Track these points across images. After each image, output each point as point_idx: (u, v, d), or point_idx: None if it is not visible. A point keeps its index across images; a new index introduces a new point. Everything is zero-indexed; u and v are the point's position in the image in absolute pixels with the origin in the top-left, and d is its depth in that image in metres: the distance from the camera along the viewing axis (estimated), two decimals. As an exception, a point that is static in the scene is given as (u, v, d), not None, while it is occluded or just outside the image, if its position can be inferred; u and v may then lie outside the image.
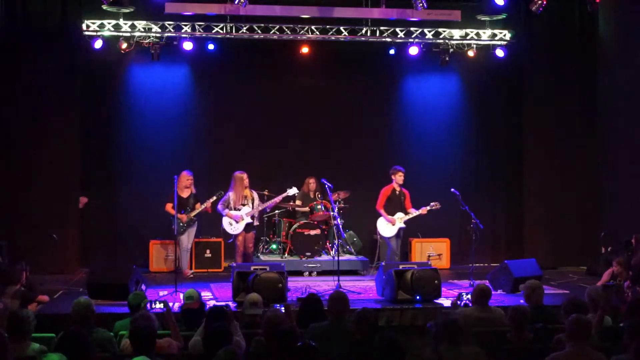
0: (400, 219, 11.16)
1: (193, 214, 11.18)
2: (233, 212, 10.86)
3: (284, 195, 11.25)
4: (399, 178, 11.27)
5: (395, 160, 13.21)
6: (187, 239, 11.34)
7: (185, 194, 11.19)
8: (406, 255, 12.34)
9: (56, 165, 11.93)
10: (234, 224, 10.88)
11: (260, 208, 11.06)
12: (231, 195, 10.93)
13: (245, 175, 10.97)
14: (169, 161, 12.08)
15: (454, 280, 11.01)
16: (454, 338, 5.36)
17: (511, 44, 13.07)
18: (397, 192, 11.29)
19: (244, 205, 10.92)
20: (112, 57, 12.47)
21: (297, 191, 11.61)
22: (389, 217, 11.16)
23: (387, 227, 11.20)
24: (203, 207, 11.11)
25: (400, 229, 11.21)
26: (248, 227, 10.92)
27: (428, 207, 11.06)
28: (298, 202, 12.25)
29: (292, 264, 11.11)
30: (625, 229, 10.77)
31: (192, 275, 11.46)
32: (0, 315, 6.27)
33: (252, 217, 10.95)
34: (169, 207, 11.03)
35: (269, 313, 5.91)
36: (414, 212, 11.15)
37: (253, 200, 10.97)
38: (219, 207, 10.94)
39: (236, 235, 10.93)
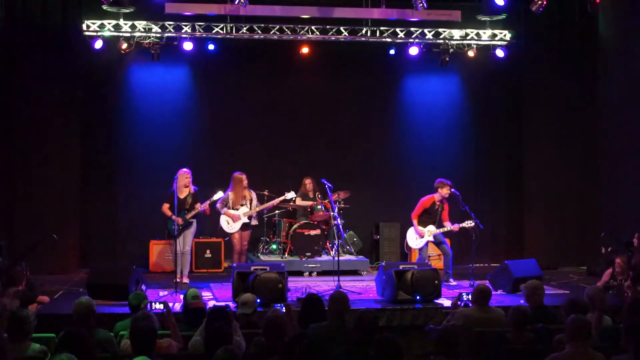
0: (430, 232, 10.84)
1: (189, 215, 10.69)
2: (231, 211, 10.87)
3: (282, 198, 11.25)
4: (445, 192, 10.79)
5: (395, 159, 13.29)
6: (184, 242, 10.79)
7: (183, 194, 10.65)
8: (406, 256, 12.34)
9: (56, 165, 11.95)
10: (231, 223, 10.88)
11: (258, 209, 11.04)
12: (230, 195, 10.93)
13: (244, 176, 10.96)
14: (169, 161, 12.05)
15: (454, 281, 10.99)
16: (451, 351, 5.35)
17: (511, 44, 13.06)
18: (437, 205, 10.89)
19: (242, 205, 10.92)
20: (112, 57, 12.46)
21: (295, 195, 11.59)
22: (420, 229, 10.87)
23: (415, 238, 10.95)
24: (201, 208, 10.70)
25: (428, 242, 10.93)
26: (244, 226, 10.93)
27: (462, 224, 10.66)
28: (298, 200, 12.25)
29: (292, 264, 11.12)
30: (625, 229, 10.76)
31: (187, 282, 10.86)
32: (0, 315, 6.27)
33: (250, 218, 10.95)
34: (165, 208, 10.83)
35: (270, 313, 5.91)
36: (447, 227, 10.79)
37: (251, 200, 10.97)
38: (218, 205, 10.92)
39: (232, 234, 10.93)
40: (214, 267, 12.08)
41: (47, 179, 11.87)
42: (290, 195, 11.33)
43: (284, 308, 6.87)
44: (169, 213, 10.64)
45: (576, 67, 13.07)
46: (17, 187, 11.85)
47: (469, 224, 10.60)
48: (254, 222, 11.15)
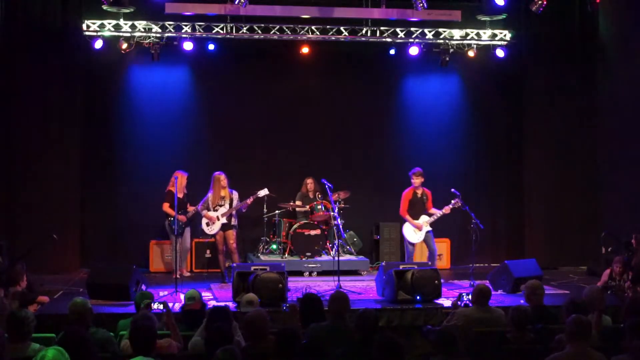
0: (425, 222, 10.83)
1: (190, 214, 11.23)
2: (210, 213, 10.91)
3: (255, 197, 11.19)
4: (415, 181, 10.90)
5: (395, 160, 13.27)
6: (185, 239, 11.43)
7: (181, 193, 11.11)
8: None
9: (56, 165, 11.96)
10: (210, 224, 10.93)
11: (235, 209, 11.02)
12: (210, 196, 10.99)
13: (223, 176, 10.97)
14: (169, 161, 12.07)
15: (454, 281, 11.00)
16: (449, 350, 5.35)
17: (511, 44, 13.06)
18: (419, 195, 10.93)
19: (221, 205, 10.93)
20: (112, 58, 12.46)
21: (268, 192, 11.42)
22: (415, 222, 10.84)
23: (414, 232, 10.89)
24: (196, 209, 11.13)
25: (428, 233, 10.87)
26: (225, 227, 10.93)
27: (451, 206, 10.67)
28: (298, 203, 12.26)
29: (292, 264, 11.11)
30: (625, 229, 10.76)
31: (189, 274, 11.47)
32: (0, 315, 6.27)
33: (230, 218, 10.96)
34: (167, 207, 11.05)
35: (249, 313, 5.89)
36: (438, 213, 10.81)
37: (232, 200, 10.98)
38: (199, 207, 11.04)
39: (214, 235, 10.99)
40: (214, 267, 12.05)
41: (47, 179, 11.88)
42: (263, 192, 11.28)
43: (286, 308, 6.89)
44: (171, 212, 10.75)
45: (576, 67, 13.08)
46: (17, 187, 11.85)
47: (455, 203, 10.63)
48: (234, 221, 11.11)
